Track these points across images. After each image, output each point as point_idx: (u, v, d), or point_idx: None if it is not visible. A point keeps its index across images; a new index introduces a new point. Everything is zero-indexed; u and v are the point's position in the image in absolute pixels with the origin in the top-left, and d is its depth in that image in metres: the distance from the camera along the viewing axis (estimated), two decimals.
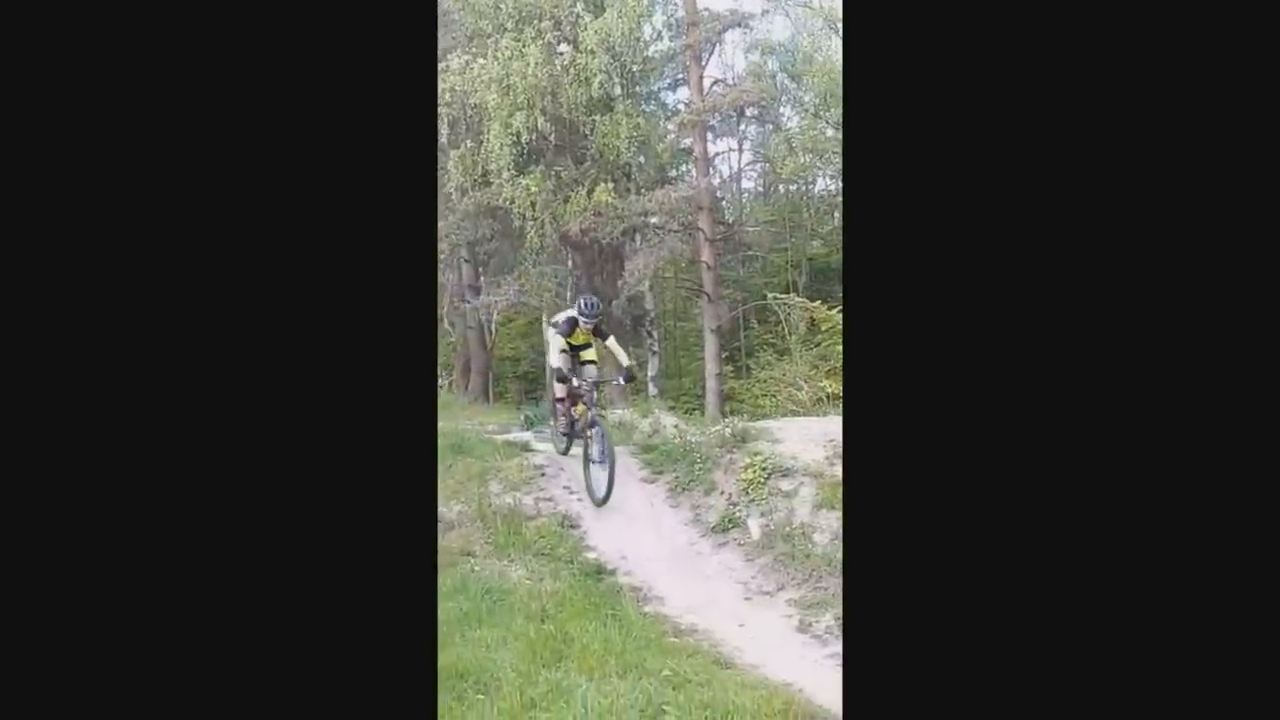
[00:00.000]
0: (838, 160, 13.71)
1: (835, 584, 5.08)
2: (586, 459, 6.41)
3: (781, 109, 15.05)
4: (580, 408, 6.71)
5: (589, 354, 7.11)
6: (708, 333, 14.04)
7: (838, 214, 15.24)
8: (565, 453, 7.11)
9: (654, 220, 13.84)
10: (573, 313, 6.83)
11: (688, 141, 14.49)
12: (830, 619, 4.74)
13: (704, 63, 14.55)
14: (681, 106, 14.83)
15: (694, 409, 13.15)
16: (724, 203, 15.91)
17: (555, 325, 7.00)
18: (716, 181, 15.08)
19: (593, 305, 6.83)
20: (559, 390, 6.96)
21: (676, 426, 7.47)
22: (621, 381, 7.23)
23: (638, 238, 13.95)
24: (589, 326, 6.79)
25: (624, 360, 7.08)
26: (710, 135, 14.79)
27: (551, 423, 7.41)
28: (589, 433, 6.38)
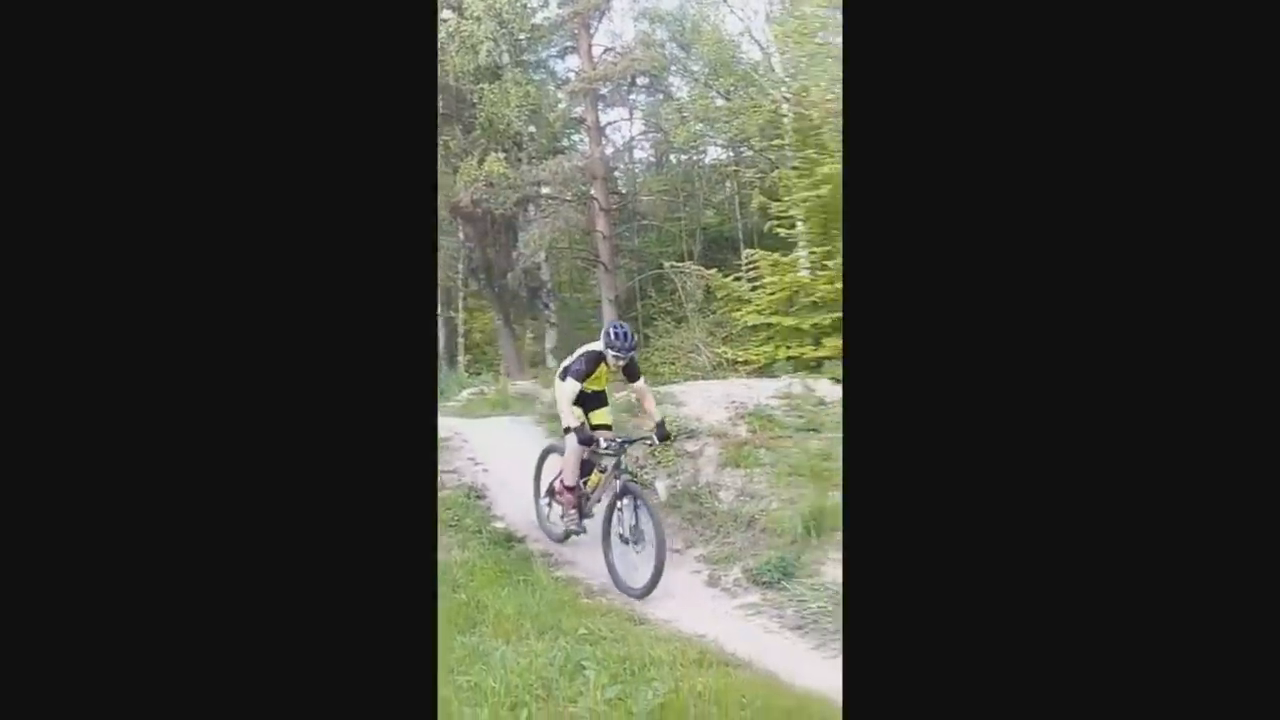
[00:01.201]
0: (729, 130, 13.84)
1: (741, 539, 5.21)
2: (608, 534, 4.80)
3: (671, 78, 15.05)
4: (595, 476, 5.08)
5: (602, 415, 5.26)
6: (605, 303, 14.04)
7: (729, 183, 15.43)
8: (566, 540, 5.31)
9: (547, 190, 13.70)
10: (596, 347, 5.01)
11: (579, 110, 14.37)
12: (738, 572, 4.87)
13: (592, 31, 14.41)
14: (571, 75, 14.67)
15: None
16: (617, 172, 15.85)
17: (570, 372, 5.00)
18: (609, 151, 15.00)
19: (625, 335, 4.95)
20: (570, 467, 5.03)
21: None
22: (656, 440, 5.07)
23: (531, 208, 13.79)
24: (620, 364, 4.96)
25: (655, 414, 5.15)
26: (600, 105, 14.69)
27: (542, 501, 5.46)
28: (619, 503, 4.75)
